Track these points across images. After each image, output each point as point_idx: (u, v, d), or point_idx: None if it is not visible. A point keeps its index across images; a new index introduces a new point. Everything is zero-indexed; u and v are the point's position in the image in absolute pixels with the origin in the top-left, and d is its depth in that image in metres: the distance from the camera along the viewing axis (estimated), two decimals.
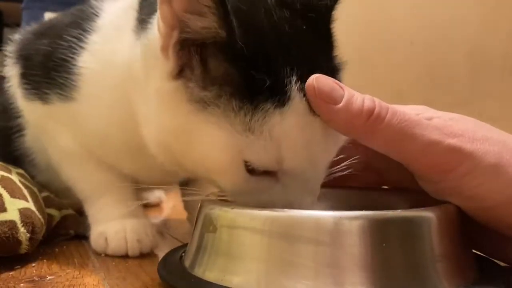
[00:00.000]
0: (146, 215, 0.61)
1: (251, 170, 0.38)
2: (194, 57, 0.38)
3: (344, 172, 0.42)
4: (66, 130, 0.56)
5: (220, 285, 0.35)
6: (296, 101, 0.36)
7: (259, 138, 0.36)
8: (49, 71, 0.53)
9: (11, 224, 0.48)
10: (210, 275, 0.37)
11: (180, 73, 0.39)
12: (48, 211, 0.58)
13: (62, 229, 0.60)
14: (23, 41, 0.60)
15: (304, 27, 0.39)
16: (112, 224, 0.55)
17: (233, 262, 0.36)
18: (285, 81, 0.36)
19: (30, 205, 0.52)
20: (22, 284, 0.43)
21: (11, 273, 0.46)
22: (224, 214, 0.38)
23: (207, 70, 0.38)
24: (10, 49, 0.60)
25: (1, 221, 0.47)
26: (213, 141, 0.38)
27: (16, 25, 1.54)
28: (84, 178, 0.58)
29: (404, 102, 0.40)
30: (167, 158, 0.44)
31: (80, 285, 0.43)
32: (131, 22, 0.48)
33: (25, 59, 0.58)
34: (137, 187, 0.56)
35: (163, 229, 0.69)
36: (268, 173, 0.39)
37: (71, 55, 0.52)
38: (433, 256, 0.35)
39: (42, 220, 0.52)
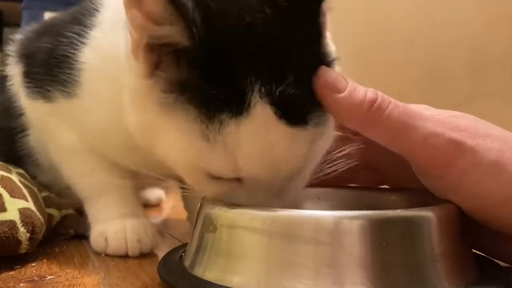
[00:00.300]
0: (146, 215, 0.61)
1: (211, 175, 0.38)
2: (162, 61, 0.38)
3: (345, 168, 0.42)
4: (68, 128, 0.56)
5: (220, 285, 0.35)
6: (258, 109, 0.35)
7: (214, 147, 0.36)
8: (52, 68, 0.53)
9: (11, 224, 0.48)
10: (210, 275, 0.37)
11: (152, 73, 0.39)
12: (48, 211, 0.58)
13: (62, 229, 0.60)
14: (25, 40, 0.60)
15: (286, 25, 0.37)
16: (112, 224, 0.55)
17: (233, 262, 0.36)
18: (247, 89, 0.35)
19: (30, 205, 0.52)
20: (22, 284, 0.43)
21: (11, 273, 0.46)
22: (224, 214, 0.38)
23: (172, 75, 0.38)
24: (12, 48, 0.60)
25: (1, 221, 0.47)
26: (174, 144, 0.39)
27: (16, 25, 1.54)
28: (84, 177, 0.58)
29: (404, 102, 0.40)
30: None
31: (80, 285, 0.43)
32: None
33: (28, 57, 0.58)
34: (137, 186, 0.56)
35: (163, 229, 0.69)
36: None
37: (73, 51, 0.52)
38: (433, 256, 0.35)
39: (42, 220, 0.52)
